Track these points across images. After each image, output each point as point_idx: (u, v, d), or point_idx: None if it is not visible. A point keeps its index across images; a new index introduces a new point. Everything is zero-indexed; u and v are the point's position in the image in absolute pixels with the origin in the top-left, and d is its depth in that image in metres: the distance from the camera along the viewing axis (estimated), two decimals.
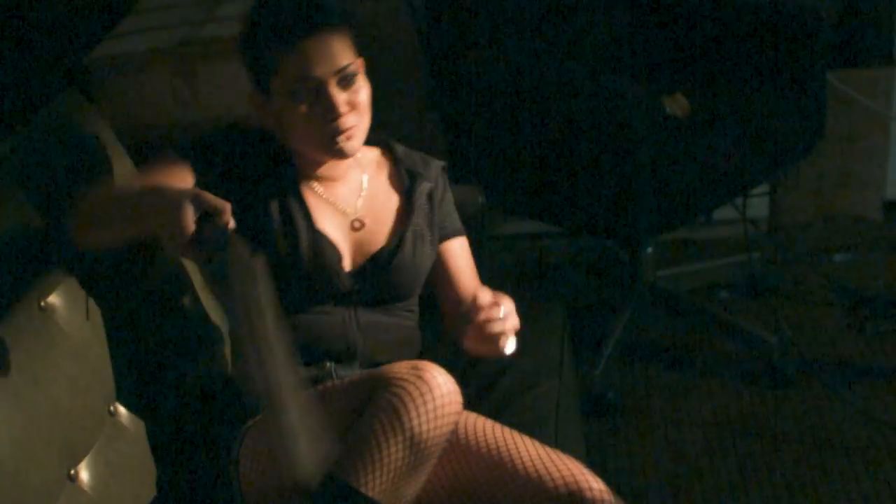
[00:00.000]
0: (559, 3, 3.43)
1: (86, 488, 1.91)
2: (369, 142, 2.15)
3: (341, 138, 2.01)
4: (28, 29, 3.15)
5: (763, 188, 3.90)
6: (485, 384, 2.31)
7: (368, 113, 2.06)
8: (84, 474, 1.93)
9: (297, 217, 2.06)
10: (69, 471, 1.90)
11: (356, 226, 2.13)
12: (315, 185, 2.12)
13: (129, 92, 2.73)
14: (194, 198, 1.69)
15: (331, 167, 2.12)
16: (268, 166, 2.10)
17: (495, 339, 1.85)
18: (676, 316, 3.54)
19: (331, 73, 1.98)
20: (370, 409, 1.80)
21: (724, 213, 3.73)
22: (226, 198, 1.73)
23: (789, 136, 3.26)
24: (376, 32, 3.58)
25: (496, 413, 2.14)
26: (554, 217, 3.27)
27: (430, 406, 1.78)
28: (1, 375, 1.80)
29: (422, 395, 1.78)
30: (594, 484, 1.87)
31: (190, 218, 1.68)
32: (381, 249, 2.12)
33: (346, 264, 2.10)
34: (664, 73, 3.45)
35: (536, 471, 1.89)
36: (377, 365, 2.02)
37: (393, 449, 1.77)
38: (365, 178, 2.18)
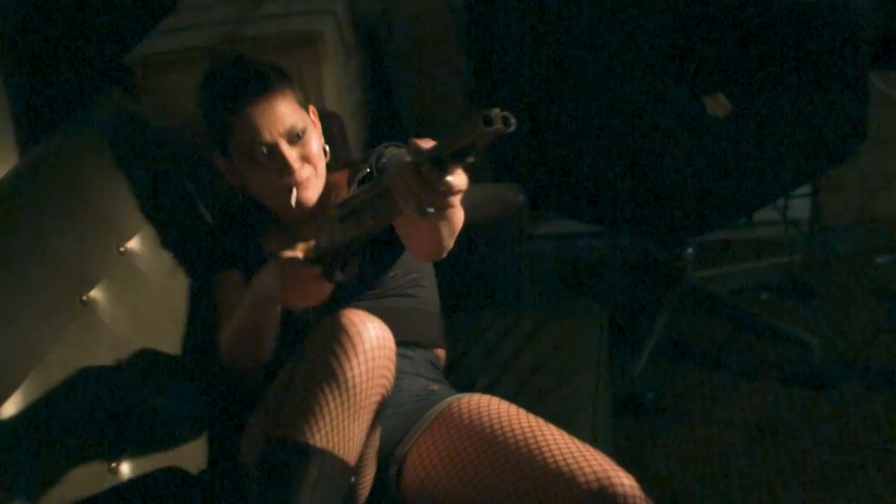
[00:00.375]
0: (601, 2, 3.42)
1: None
2: (334, 167, 2.31)
3: (298, 191, 2.17)
4: (70, 27, 3.17)
5: (804, 189, 3.88)
6: (522, 377, 2.32)
7: (322, 159, 2.22)
8: (125, 467, 1.94)
9: (258, 253, 2.25)
10: (111, 464, 1.91)
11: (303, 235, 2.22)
12: (289, 225, 2.28)
13: (170, 90, 2.75)
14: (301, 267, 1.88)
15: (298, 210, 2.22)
16: (253, 222, 2.32)
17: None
18: (716, 317, 3.53)
19: (279, 135, 2.14)
20: (303, 363, 1.81)
21: (765, 214, 3.71)
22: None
23: (832, 138, 3.23)
24: (418, 28, 3.60)
25: (532, 404, 2.14)
26: (595, 217, 3.27)
27: (359, 350, 1.77)
28: (42, 370, 1.82)
29: (351, 341, 1.78)
30: (625, 480, 1.86)
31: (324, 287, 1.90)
32: None
33: None
34: (705, 74, 3.43)
35: (567, 464, 1.88)
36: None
37: (329, 398, 1.76)
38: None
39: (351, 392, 1.76)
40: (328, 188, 2.27)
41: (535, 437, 1.93)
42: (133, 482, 1.93)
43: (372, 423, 1.84)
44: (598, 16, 3.41)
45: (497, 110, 1.44)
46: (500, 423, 1.97)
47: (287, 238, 2.24)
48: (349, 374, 1.76)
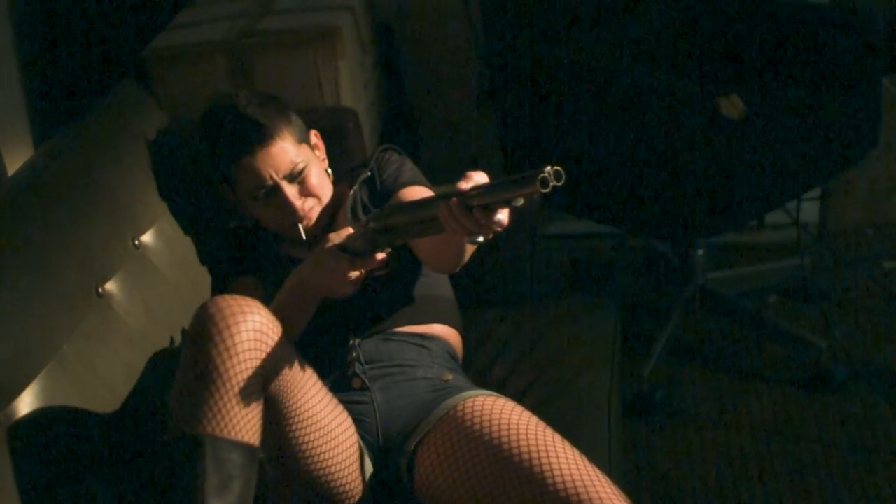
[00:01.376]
0: (617, 1, 3.43)
1: None
2: (341, 173, 2.38)
3: (303, 224, 2.24)
4: (88, 20, 3.18)
5: (814, 193, 3.88)
6: (535, 371, 2.32)
7: (325, 186, 2.29)
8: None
9: (277, 257, 2.32)
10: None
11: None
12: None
13: (187, 83, 2.75)
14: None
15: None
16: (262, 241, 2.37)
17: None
18: (726, 318, 3.53)
19: (279, 178, 2.20)
20: (182, 354, 1.83)
21: (775, 217, 3.71)
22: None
23: (843, 141, 3.24)
24: (431, 25, 3.60)
25: (546, 400, 2.15)
26: (606, 217, 3.27)
27: (226, 338, 1.79)
28: (59, 360, 1.83)
29: (220, 333, 1.79)
30: None
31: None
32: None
33: None
34: (720, 75, 3.43)
35: (576, 490, 1.86)
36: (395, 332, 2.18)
37: (204, 387, 1.78)
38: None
39: (224, 378, 1.78)
40: (335, 200, 2.32)
41: (547, 455, 1.92)
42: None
43: (261, 391, 1.84)
44: (613, 13, 3.42)
45: (550, 170, 1.56)
46: (509, 434, 1.97)
47: (304, 247, 2.29)
48: (218, 363, 1.78)
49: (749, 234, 3.93)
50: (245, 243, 2.37)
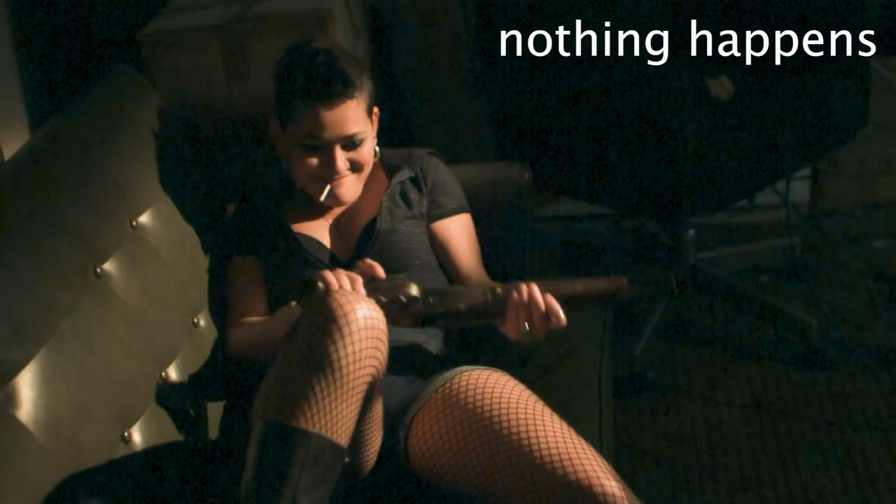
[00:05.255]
0: None
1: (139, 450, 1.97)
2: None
3: (333, 186, 2.26)
4: (81, 4, 3.19)
5: (804, 173, 3.90)
6: (526, 349, 2.34)
7: (369, 165, 2.31)
8: (137, 436, 1.97)
9: (282, 230, 2.33)
10: (123, 433, 1.95)
11: (333, 220, 2.37)
12: (314, 204, 2.35)
13: (181, 68, 2.77)
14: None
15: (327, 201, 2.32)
16: (273, 202, 2.39)
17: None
18: (716, 298, 3.56)
19: (338, 139, 2.22)
20: (293, 345, 1.82)
21: (765, 197, 3.73)
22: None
23: (833, 122, 3.26)
24: (423, 8, 3.62)
25: (538, 377, 2.18)
26: (597, 196, 3.30)
27: (346, 332, 1.78)
28: (58, 339, 1.85)
29: (338, 323, 1.79)
30: (616, 487, 1.86)
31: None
32: (362, 225, 2.33)
33: (339, 251, 2.32)
34: (709, 56, 3.45)
35: (562, 464, 1.89)
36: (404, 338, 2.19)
37: (317, 382, 1.77)
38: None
39: (339, 375, 1.78)
40: (370, 181, 2.36)
41: (535, 428, 1.95)
42: (144, 452, 1.97)
43: (364, 402, 1.86)
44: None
45: (675, 279, 1.85)
46: (500, 407, 2.00)
47: (311, 217, 2.33)
48: (336, 357, 1.77)
49: (739, 214, 3.96)
50: (245, 221, 2.38)
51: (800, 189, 3.94)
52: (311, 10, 2.84)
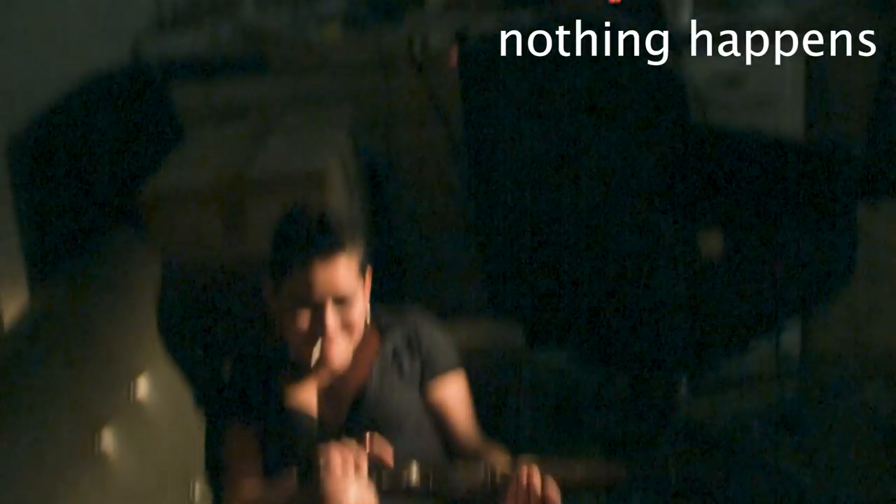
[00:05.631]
0: (599, 140, 3.49)
1: None
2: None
3: (323, 345, 2.26)
4: (82, 160, 3.23)
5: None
6: None
7: (360, 326, 2.33)
8: None
9: (275, 403, 2.33)
10: None
11: (325, 385, 2.37)
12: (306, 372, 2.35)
13: (180, 228, 2.80)
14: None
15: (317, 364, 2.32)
16: (266, 372, 2.39)
17: None
18: (709, 450, 3.55)
19: (329, 297, 2.24)
20: None
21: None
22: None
23: (822, 272, 3.29)
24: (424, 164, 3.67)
25: None
26: (588, 354, 3.31)
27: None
28: None
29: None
30: None
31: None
32: (354, 390, 2.35)
33: (331, 417, 2.32)
34: (697, 208, 3.50)
35: None
36: None
37: None
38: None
39: None
40: (356, 351, 2.37)
41: None
42: None
43: None
44: (595, 150, 3.50)
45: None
46: None
47: (303, 386, 2.34)
48: None
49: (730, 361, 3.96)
50: (239, 388, 2.39)
51: (790, 335, 3.94)
52: (307, 169, 2.88)
